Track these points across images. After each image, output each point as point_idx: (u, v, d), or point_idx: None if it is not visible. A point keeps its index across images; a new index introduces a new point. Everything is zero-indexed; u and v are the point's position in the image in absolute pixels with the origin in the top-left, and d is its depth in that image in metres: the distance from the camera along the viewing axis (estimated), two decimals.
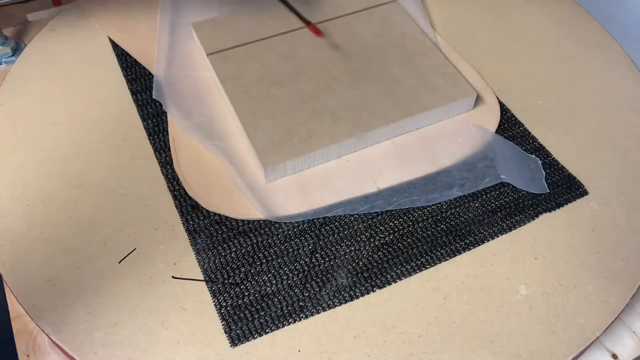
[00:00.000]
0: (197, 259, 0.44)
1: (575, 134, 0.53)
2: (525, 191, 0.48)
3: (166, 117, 0.52)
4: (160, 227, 0.45)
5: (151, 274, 0.43)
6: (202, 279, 0.43)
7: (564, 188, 0.49)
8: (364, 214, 0.46)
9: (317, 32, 0.53)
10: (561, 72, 0.58)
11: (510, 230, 0.46)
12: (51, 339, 0.41)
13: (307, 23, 0.52)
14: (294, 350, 0.40)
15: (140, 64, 0.57)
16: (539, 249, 0.45)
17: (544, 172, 0.50)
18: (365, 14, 0.53)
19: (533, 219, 0.47)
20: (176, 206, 0.46)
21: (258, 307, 0.41)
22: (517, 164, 0.50)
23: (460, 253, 0.45)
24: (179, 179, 0.48)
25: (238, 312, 0.41)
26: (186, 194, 0.47)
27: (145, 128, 0.52)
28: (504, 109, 0.54)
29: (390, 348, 0.40)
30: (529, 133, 0.53)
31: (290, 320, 0.41)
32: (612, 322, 0.42)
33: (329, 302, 0.42)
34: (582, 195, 0.48)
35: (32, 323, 0.43)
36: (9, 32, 0.62)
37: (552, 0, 0.65)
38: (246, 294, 0.42)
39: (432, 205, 0.47)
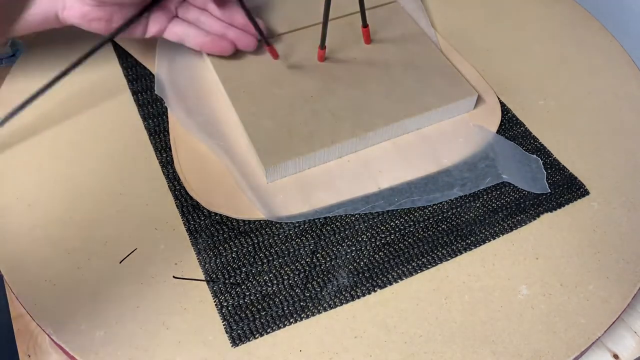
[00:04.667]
0: (198, 258, 0.44)
1: (576, 134, 0.53)
2: (526, 191, 0.48)
3: (167, 117, 0.52)
4: (161, 227, 0.45)
5: (152, 274, 0.43)
6: (203, 279, 0.43)
7: (565, 188, 0.49)
8: (365, 214, 0.46)
9: (275, 55, 0.54)
10: (562, 72, 0.58)
11: (512, 230, 0.46)
12: (52, 339, 0.41)
13: (268, 45, 0.53)
14: (295, 350, 0.40)
15: (141, 64, 0.57)
16: (540, 249, 0.45)
17: (545, 172, 0.50)
18: (366, 14, 0.53)
19: (534, 219, 0.47)
20: (177, 206, 0.46)
21: (259, 307, 0.41)
22: (518, 164, 0.50)
23: (461, 253, 0.45)
24: (179, 179, 0.48)
25: (239, 312, 0.41)
26: (187, 193, 0.47)
27: (146, 128, 0.52)
28: (504, 109, 0.54)
29: (391, 348, 0.40)
30: (530, 133, 0.53)
31: (291, 320, 0.41)
32: (613, 322, 0.42)
33: (330, 302, 0.42)
34: (583, 195, 0.48)
35: (32, 323, 0.43)
36: None
37: (552, 0, 0.65)
38: (247, 293, 0.42)
39: (433, 205, 0.47)
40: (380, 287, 0.43)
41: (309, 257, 0.44)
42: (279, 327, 0.41)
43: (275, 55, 0.53)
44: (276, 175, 0.48)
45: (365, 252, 0.44)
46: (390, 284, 0.43)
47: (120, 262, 0.43)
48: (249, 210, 0.46)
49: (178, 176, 0.48)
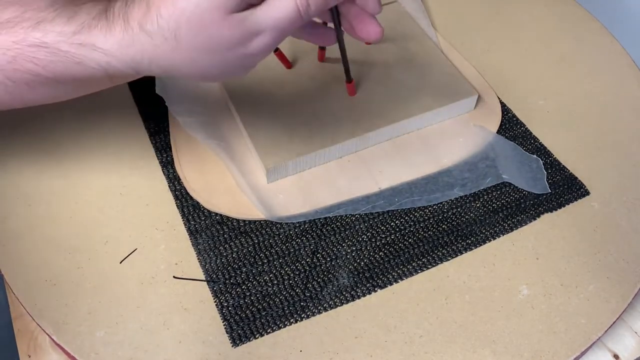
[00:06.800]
0: (198, 259, 0.44)
1: (576, 134, 0.53)
2: (526, 191, 0.48)
3: (167, 117, 0.52)
4: (161, 227, 0.45)
5: (152, 274, 0.43)
6: (204, 279, 0.43)
7: (565, 188, 0.49)
8: (365, 214, 0.46)
9: (287, 64, 0.53)
10: (562, 72, 0.58)
11: (512, 230, 0.46)
12: (52, 339, 0.41)
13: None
14: (295, 351, 0.40)
15: None
16: (541, 249, 0.45)
17: (545, 172, 0.50)
18: None
19: (534, 219, 0.47)
20: (177, 206, 0.46)
21: (259, 307, 0.41)
22: (518, 164, 0.50)
23: (461, 253, 0.45)
24: (180, 179, 0.48)
25: (239, 312, 0.41)
26: (187, 194, 0.47)
27: (146, 128, 0.52)
28: (505, 109, 0.54)
29: (391, 348, 0.40)
30: (530, 133, 0.53)
31: (291, 320, 0.41)
32: (613, 322, 0.42)
33: (330, 302, 0.42)
34: (584, 196, 0.48)
35: (33, 323, 0.42)
36: None
37: (552, 0, 0.65)
38: (247, 294, 0.42)
39: (434, 205, 0.47)
40: (381, 287, 0.43)
41: (309, 257, 0.44)
42: (279, 327, 0.41)
43: (288, 65, 0.53)
44: (276, 176, 0.48)
45: (365, 252, 0.44)
46: (391, 284, 0.43)
47: (120, 262, 0.43)
48: (249, 210, 0.46)
49: (178, 176, 0.48)
